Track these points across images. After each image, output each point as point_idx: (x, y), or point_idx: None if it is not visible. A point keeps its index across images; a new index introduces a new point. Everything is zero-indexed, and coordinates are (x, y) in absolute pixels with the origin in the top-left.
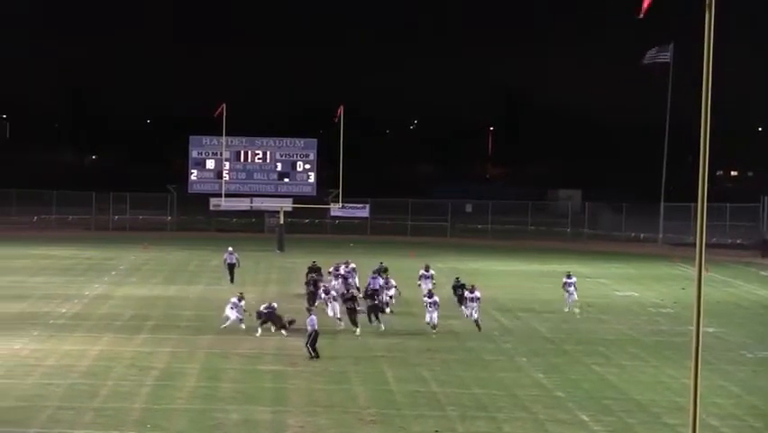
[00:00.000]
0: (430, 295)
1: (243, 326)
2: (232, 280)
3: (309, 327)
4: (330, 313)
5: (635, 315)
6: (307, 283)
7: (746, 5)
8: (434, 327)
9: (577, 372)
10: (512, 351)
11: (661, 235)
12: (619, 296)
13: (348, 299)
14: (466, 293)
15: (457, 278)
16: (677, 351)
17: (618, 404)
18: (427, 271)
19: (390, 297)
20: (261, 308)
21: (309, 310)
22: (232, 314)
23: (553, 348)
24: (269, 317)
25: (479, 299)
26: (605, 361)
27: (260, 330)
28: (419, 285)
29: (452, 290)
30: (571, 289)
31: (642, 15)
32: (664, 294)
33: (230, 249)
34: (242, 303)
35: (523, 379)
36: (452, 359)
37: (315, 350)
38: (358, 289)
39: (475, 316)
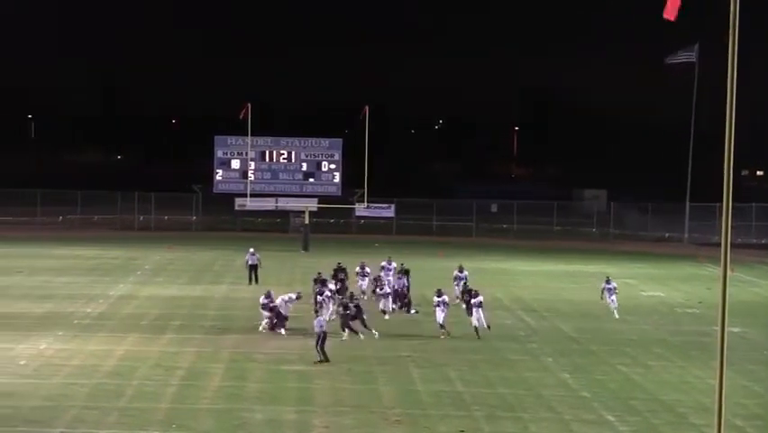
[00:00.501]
0: (439, 294)
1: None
2: (252, 281)
3: (317, 329)
4: (324, 315)
5: (661, 315)
6: (315, 281)
7: None
8: (441, 327)
9: (603, 372)
10: (538, 351)
11: (686, 235)
12: (645, 296)
13: (342, 305)
14: (472, 300)
15: (464, 283)
16: (702, 351)
17: (644, 404)
18: (461, 271)
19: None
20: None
21: (317, 312)
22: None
23: (579, 348)
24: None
25: (481, 303)
26: (631, 361)
27: (283, 331)
28: (455, 286)
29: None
30: (613, 296)
31: (672, 18)
32: (690, 294)
33: (251, 250)
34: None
35: (548, 379)
36: (478, 359)
37: (323, 353)
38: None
39: (475, 323)
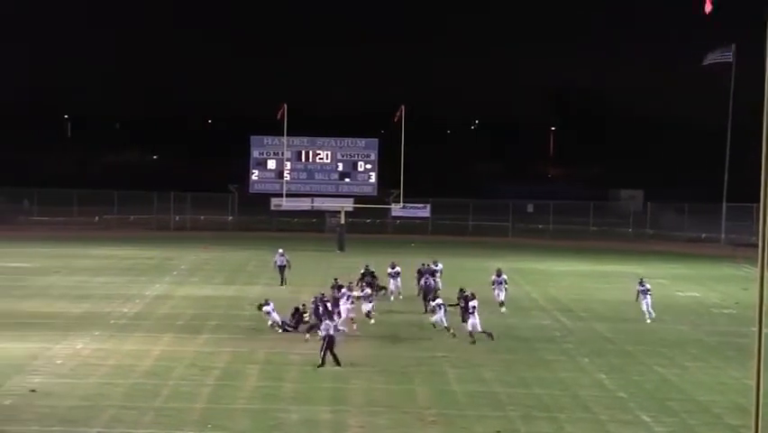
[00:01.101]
0: (434, 298)
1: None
2: (282, 282)
3: (323, 332)
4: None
5: (697, 315)
6: (333, 288)
7: None
8: (434, 325)
9: (639, 372)
10: (573, 351)
11: (723, 236)
12: (681, 296)
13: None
14: (469, 303)
15: (461, 289)
16: (739, 352)
17: (680, 405)
18: (499, 276)
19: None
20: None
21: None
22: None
23: (615, 349)
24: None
25: (475, 307)
26: (667, 362)
27: (308, 335)
28: (493, 290)
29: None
30: (647, 298)
31: (707, 12)
32: (726, 295)
33: (280, 251)
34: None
35: (584, 379)
36: (514, 359)
37: (334, 356)
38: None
39: (470, 329)
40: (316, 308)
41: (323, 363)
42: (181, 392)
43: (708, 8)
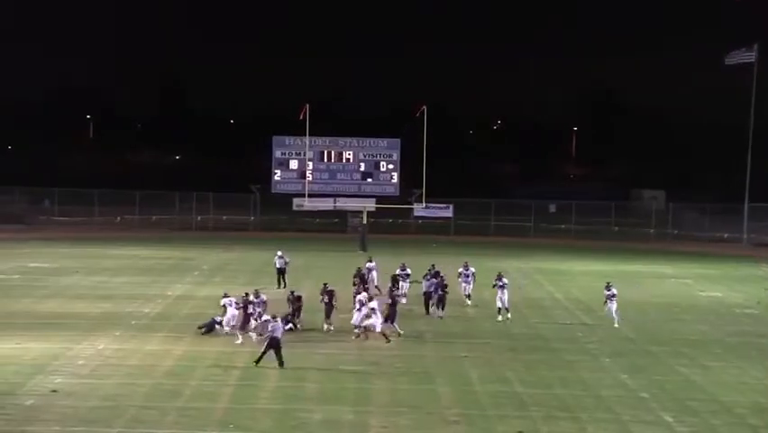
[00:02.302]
0: (370, 298)
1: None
2: (279, 285)
3: (269, 333)
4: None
5: (719, 315)
6: (322, 293)
7: None
8: (356, 329)
9: (660, 372)
10: (595, 351)
11: (745, 236)
12: (703, 296)
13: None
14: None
15: (432, 267)
16: (761, 352)
17: (702, 405)
18: (500, 279)
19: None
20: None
21: (284, 319)
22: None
23: (637, 349)
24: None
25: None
26: (688, 362)
27: (240, 338)
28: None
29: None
30: (613, 301)
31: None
32: (748, 295)
33: (279, 253)
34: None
35: (606, 379)
36: (536, 359)
37: (279, 357)
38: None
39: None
40: (244, 308)
41: (258, 361)
42: (203, 392)
43: None
